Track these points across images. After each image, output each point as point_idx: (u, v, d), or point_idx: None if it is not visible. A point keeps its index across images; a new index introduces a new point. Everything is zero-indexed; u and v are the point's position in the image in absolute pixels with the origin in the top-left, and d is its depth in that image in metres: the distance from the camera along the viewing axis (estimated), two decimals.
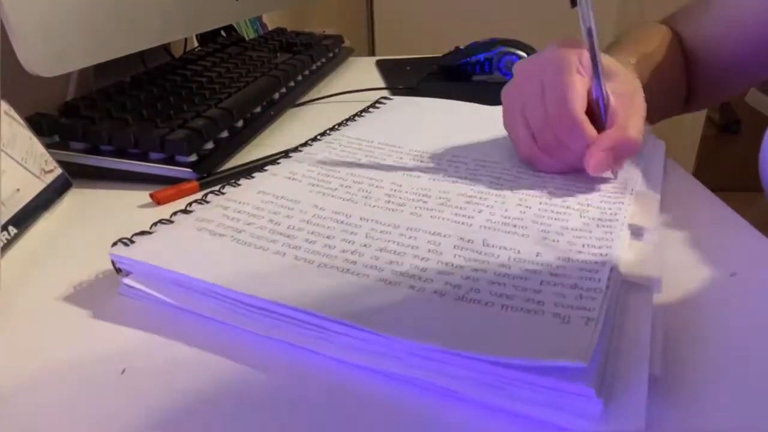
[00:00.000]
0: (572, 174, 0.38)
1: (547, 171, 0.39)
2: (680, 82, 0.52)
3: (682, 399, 0.22)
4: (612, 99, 0.37)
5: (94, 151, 0.43)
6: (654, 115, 0.47)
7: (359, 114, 0.52)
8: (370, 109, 0.53)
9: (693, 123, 1.76)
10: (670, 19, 0.55)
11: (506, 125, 0.41)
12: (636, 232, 0.32)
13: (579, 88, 0.36)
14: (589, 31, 0.35)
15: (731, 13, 0.50)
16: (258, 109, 0.52)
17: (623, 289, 0.27)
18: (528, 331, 0.23)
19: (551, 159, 0.38)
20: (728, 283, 0.29)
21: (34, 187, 0.37)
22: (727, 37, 0.51)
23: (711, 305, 0.28)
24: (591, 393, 0.20)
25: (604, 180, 0.37)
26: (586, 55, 0.36)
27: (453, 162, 0.41)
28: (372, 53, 1.57)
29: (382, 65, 0.77)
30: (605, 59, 0.38)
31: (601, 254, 0.28)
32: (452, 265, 0.28)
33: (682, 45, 0.52)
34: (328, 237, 0.30)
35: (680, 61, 0.51)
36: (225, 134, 0.47)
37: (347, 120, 0.50)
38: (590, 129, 0.36)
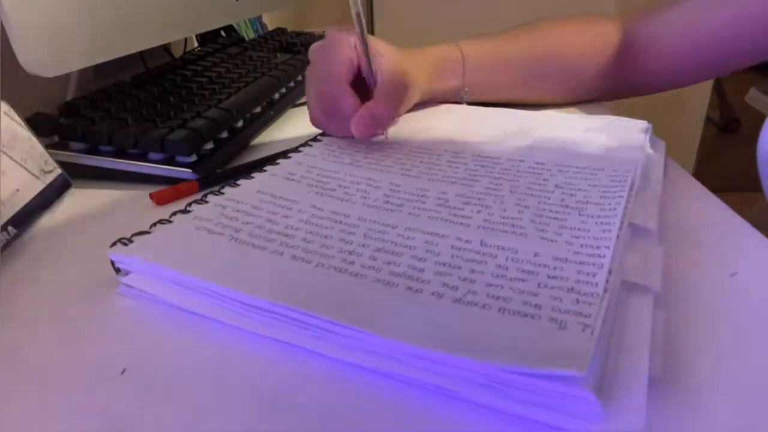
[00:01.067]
0: (571, 172, 0.38)
1: (332, 134, 0.46)
2: (590, 69, 0.56)
3: (682, 399, 0.22)
4: (380, 75, 0.44)
5: (94, 151, 0.43)
6: (543, 95, 0.56)
7: None
8: None
9: (693, 122, 1.76)
10: (629, 14, 0.58)
11: (306, 96, 0.48)
12: (636, 232, 0.32)
13: (346, 62, 0.44)
14: (358, 16, 0.43)
15: (686, 18, 0.53)
16: (258, 109, 0.52)
17: (623, 289, 0.27)
18: (524, 337, 0.23)
19: (333, 123, 0.45)
20: (728, 283, 0.29)
21: (34, 188, 0.37)
22: (678, 39, 0.54)
23: (711, 305, 0.28)
24: (590, 395, 0.20)
25: (603, 177, 0.37)
26: (354, 36, 0.44)
27: (452, 162, 0.41)
28: None
29: None
30: (378, 44, 0.45)
31: (599, 255, 0.28)
32: (449, 265, 0.28)
33: (623, 39, 0.55)
34: (325, 237, 0.30)
35: (600, 51, 0.55)
36: (225, 134, 0.47)
37: None
38: (353, 97, 0.43)
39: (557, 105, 0.57)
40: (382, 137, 0.45)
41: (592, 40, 0.56)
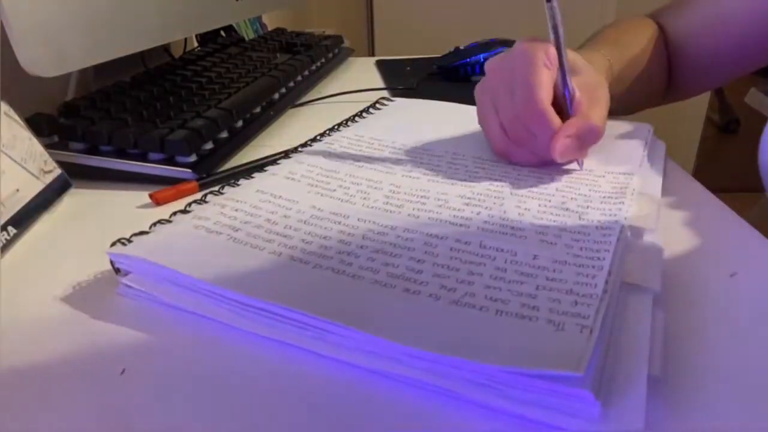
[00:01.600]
0: (572, 175, 0.38)
1: (520, 163, 0.41)
2: (659, 73, 0.55)
3: (682, 399, 0.22)
4: (577, 92, 0.39)
5: (94, 151, 0.43)
6: (633, 104, 0.53)
7: (359, 115, 0.52)
8: (371, 110, 0.53)
9: (693, 123, 1.76)
10: (657, 12, 0.57)
11: (480, 121, 0.43)
12: (636, 233, 0.32)
13: (545, 81, 0.38)
14: (555, 28, 0.38)
15: (713, 10, 0.53)
16: (258, 109, 0.52)
17: (623, 289, 0.27)
18: (522, 338, 0.23)
19: (523, 150, 0.40)
20: (728, 283, 0.29)
21: (34, 188, 0.37)
22: (708, 31, 0.54)
23: (711, 305, 0.28)
24: (589, 395, 0.20)
25: (603, 183, 0.37)
26: (552, 50, 0.38)
27: (452, 163, 0.41)
28: (372, 53, 1.57)
29: (381, 65, 0.77)
30: (571, 55, 0.40)
31: (598, 258, 0.28)
32: (448, 267, 0.28)
33: (665, 37, 0.55)
34: (324, 238, 0.30)
35: (660, 53, 0.54)
36: (225, 134, 0.47)
37: (347, 121, 0.50)
38: (556, 118, 0.37)
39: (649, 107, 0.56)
40: (575, 166, 0.40)
41: (658, 43, 0.54)
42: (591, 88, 0.40)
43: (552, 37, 0.38)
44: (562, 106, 0.39)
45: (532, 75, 0.37)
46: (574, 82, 0.39)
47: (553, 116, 0.37)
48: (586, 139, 0.38)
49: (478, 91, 0.42)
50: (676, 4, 0.57)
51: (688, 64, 0.55)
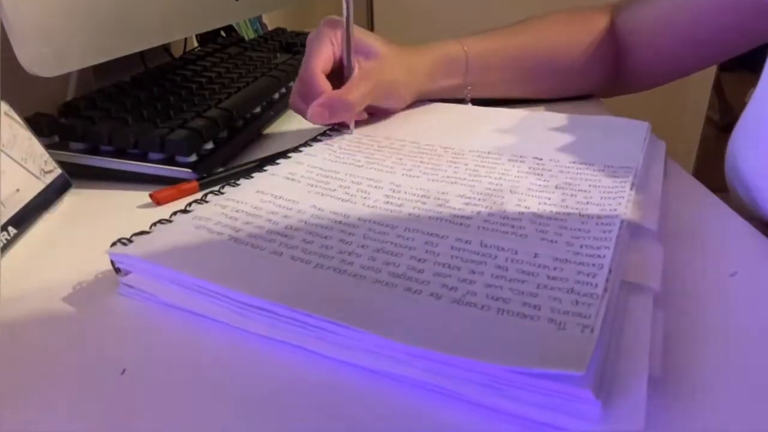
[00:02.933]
0: (572, 172, 0.38)
1: (307, 120, 0.46)
2: (591, 64, 0.57)
3: (682, 399, 0.22)
4: (356, 70, 0.46)
5: (94, 151, 0.43)
6: (545, 91, 0.57)
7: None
8: None
9: (693, 123, 1.76)
10: (616, 5, 0.59)
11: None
12: (636, 232, 0.32)
13: (323, 52, 0.46)
14: (347, 7, 0.44)
15: (669, 4, 0.55)
16: (258, 109, 0.52)
17: (623, 289, 0.27)
18: (523, 338, 0.23)
19: (306, 108, 0.46)
20: (728, 283, 0.29)
21: (34, 188, 0.37)
22: (663, 25, 0.55)
23: (711, 305, 0.28)
24: (589, 395, 0.20)
25: (603, 178, 0.37)
26: (341, 31, 0.46)
27: (452, 163, 0.41)
28: None
29: None
30: (370, 40, 0.47)
31: (599, 255, 0.28)
32: (449, 266, 0.28)
33: (613, 32, 0.57)
34: (325, 237, 0.30)
35: (597, 46, 0.56)
36: (225, 134, 0.47)
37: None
38: (322, 85, 0.45)
39: (552, 100, 0.57)
40: (348, 131, 0.47)
41: (582, 35, 0.56)
42: (372, 70, 0.47)
43: (344, 17, 0.45)
44: (346, 80, 0.46)
45: (314, 46, 0.46)
46: (362, 64, 0.46)
47: (318, 82, 0.45)
48: (337, 110, 0.45)
49: None
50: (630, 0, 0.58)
51: (637, 60, 0.57)
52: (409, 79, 0.50)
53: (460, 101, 0.55)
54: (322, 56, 0.46)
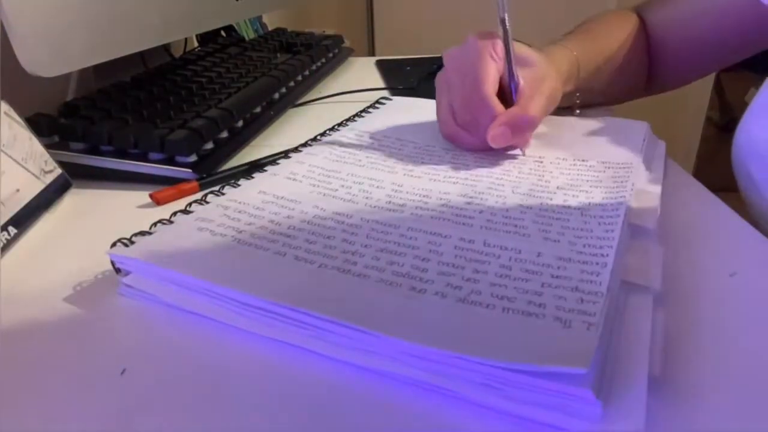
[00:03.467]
0: (572, 172, 0.39)
1: (466, 148, 0.43)
2: (639, 66, 0.56)
3: (682, 399, 0.22)
4: (522, 82, 0.42)
5: (94, 151, 0.43)
6: (614, 95, 0.56)
7: (359, 114, 0.52)
8: (370, 110, 0.53)
9: (693, 123, 1.76)
10: (641, 6, 0.58)
11: (436, 108, 0.46)
12: (636, 232, 0.32)
13: (490, 71, 0.41)
14: (503, 21, 0.41)
15: (693, 2, 0.54)
16: (258, 109, 0.52)
17: (623, 289, 0.27)
18: (529, 335, 0.23)
19: (470, 136, 0.43)
20: (728, 283, 0.29)
21: (34, 188, 0.37)
22: (688, 23, 0.55)
23: (711, 305, 0.28)
24: (590, 395, 0.20)
25: (604, 179, 0.37)
26: (499, 43, 0.42)
27: (454, 163, 0.41)
28: (372, 53, 1.57)
29: (382, 65, 0.77)
30: (520, 48, 0.43)
31: (602, 254, 0.28)
32: (453, 265, 0.28)
33: (646, 31, 0.56)
34: (328, 237, 0.30)
35: (639, 46, 0.56)
36: (225, 134, 0.47)
37: (347, 120, 0.50)
38: (498, 106, 0.41)
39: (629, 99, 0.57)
40: (518, 152, 0.42)
41: (637, 36, 0.55)
42: (536, 80, 0.43)
43: (500, 29, 0.41)
44: (509, 96, 0.42)
45: (479, 66, 0.41)
46: (521, 74, 0.42)
47: (494, 104, 0.40)
48: (521, 128, 0.41)
49: (437, 79, 0.45)
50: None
51: (669, 55, 0.57)
52: (560, 85, 0.46)
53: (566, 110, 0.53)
54: (490, 77, 0.41)
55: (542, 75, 0.43)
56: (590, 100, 0.54)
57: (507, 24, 0.41)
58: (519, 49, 0.43)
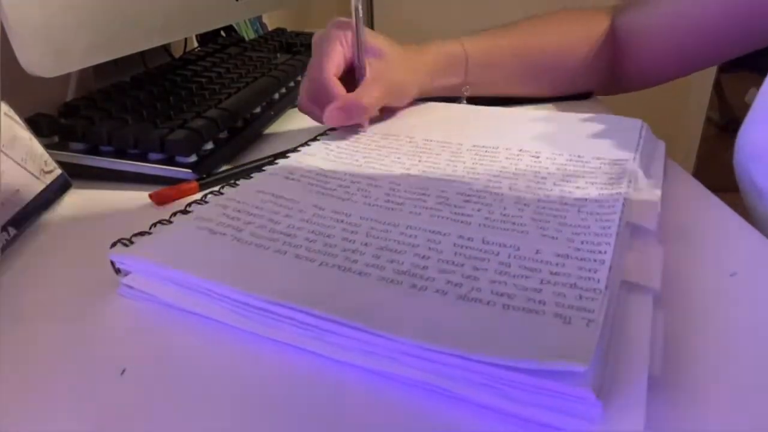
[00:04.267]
0: (568, 168, 0.39)
1: (318, 122, 0.47)
2: (590, 64, 0.57)
3: (682, 399, 0.22)
4: (367, 70, 0.46)
5: (94, 151, 0.43)
6: (546, 87, 0.58)
7: None
8: None
9: (693, 123, 1.76)
10: (619, 7, 0.59)
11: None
12: (636, 232, 0.32)
13: (334, 56, 0.46)
14: (356, 10, 0.45)
15: (673, 8, 0.55)
16: (258, 109, 0.52)
17: (623, 289, 0.27)
18: (530, 332, 0.23)
19: (318, 111, 0.46)
20: (728, 283, 0.29)
21: (34, 188, 0.37)
22: (667, 27, 0.56)
23: (711, 305, 0.28)
24: (590, 394, 0.20)
25: (600, 175, 0.37)
26: (351, 33, 0.46)
27: (451, 161, 0.41)
28: None
29: None
30: (375, 39, 0.47)
31: (599, 251, 0.28)
32: (453, 263, 0.28)
33: (612, 33, 0.57)
34: (328, 236, 0.30)
35: (593, 46, 0.57)
36: (225, 134, 0.47)
37: None
38: (334, 88, 0.45)
39: (552, 99, 0.58)
40: (361, 129, 0.47)
41: (582, 35, 0.57)
42: (380, 71, 0.47)
43: (353, 18, 0.45)
44: (358, 81, 0.47)
45: (326, 50, 0.46)
46: (369, 64, 0.47)
47: (331, 86, 0.45)
48: (353, 112, 0.45)
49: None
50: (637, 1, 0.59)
51: (640, 58, 0.57)
52: (414, 78, 0.50)
53: (455, 100, 0.55)
54: (334, 59, 0.46)
55: (388, 66, 0.48)
56: (501, 91, 0.56)
57: (360, 13, 0.45)
58: (373, 40, 0.47)
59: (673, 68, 0.58)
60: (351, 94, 0.45)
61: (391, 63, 0.48)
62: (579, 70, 0.57)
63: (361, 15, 0.45)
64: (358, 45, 0.46)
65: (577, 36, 0.57)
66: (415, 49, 0.52)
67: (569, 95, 0.59)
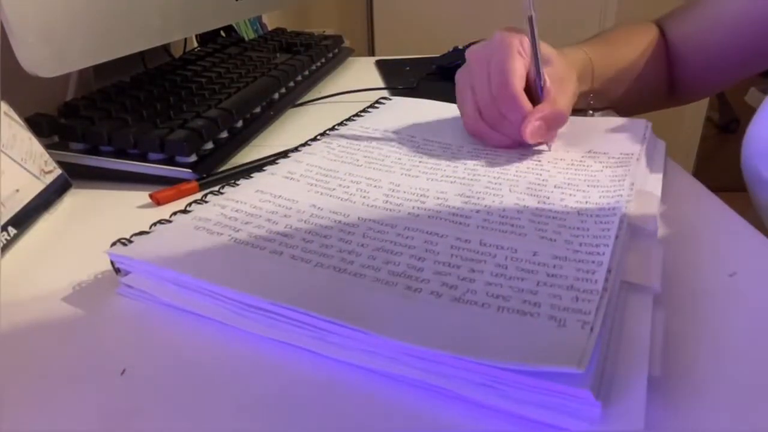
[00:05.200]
0: (569, 170, 0.39)
1: (492, 144, 0.44)
2: (657, 77, 0.57)
3: (682, 399, 0.22)
4: (547, 80, 0.42)
5: (94, 151, 0.43)
6: (632, 105, 0.56)
7: (358, 114, 0.52)
8: (369, 109, 0.53)
9: (693, 123, 1.76)
10: (661, 18, 0.59)
11: (459, 103, 0.46)
12: (636, 232, 0.32)
13: (518, 68, 0.41)
14: (530, 20, 0.41)
15: (712, 14, 0.55)
16: (258, 110, 0.52)
17: (623, 289, 0.27)
18: (524, 335, 0.23)
19: (496, 133, 0.43)
20: (728, 283, 0.29)
21: (34, 188, 0.37)
22: (707, 35, 0.55)
23: (711, 305, 0.28)
24: (589, 395, 0.20)
25: (601, 177, 0.37)
26: (526, 40, 0.42)
27: (450, 162, 0.41)
28: (372, 53, 1.57)
29: (381, 65, 0.77)
30: (544, 47, 0.43)
31: (598, 253, 0.28)
32: (449, 265, 0.28)
33: (666, 43, 0.57)
34: (325, 237, 0.30)
35: (659, 57, 0.56)
36: (225, 134, 0.47)
37: (346, 120, 0.50)
38: (527, 103, 0.41)
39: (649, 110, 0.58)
40: (544, 147, 0.43)
41: (656, 48, 0.56)
42: (560, 77, 0.43)
43: (527, 27, 0.42)
44: (534, 92, 0.43)
45: (507, 62, 0.41)
46: (545, 72, 0.43)
47: (524, 100, 0.41)
48: (553, 123, 0.42)
49: (459, 75, 0.46)
50: (677, 9, 0.58)
51: (687, 69, 0.57)
52: (577, 86, 0.47)
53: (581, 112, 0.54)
54: (518, 73, 0.41)
55: (563, 73, 0.44)
56: (604, 104, 0.54)
57: (534, 21, 0.41)
58: (543, 48, 0.43)
59: (721, 78, 0.58)
60: (546, 105, 0.41)
61: (563, 69, 0.44)
62: (658, 82, 0.57)
63: (535, 24, 0.41)
64: (536, 54, 0.42)
65: (654, 49, 0.56)
66: (564, 55, 0.48)
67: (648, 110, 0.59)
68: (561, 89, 0.43)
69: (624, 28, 0.57)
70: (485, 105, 0.43)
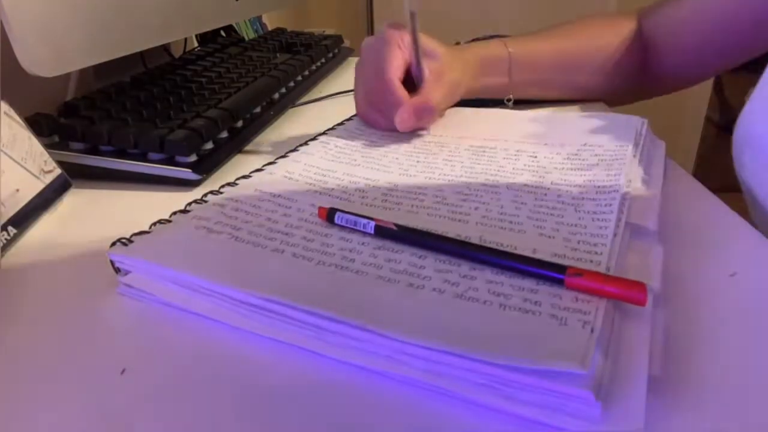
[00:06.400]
0: (567, 167, 0.39)
1: (378, 127, 0.47)
2: (628, 67, 0.57)
3: (682, 399, 0.22)
4: (426, 72, 0.46)
5: (94, 151, 0.43)
6: (602, 95, 0.58)
7: (357, 114, 0.52)
8: None
9: (693, 123, 1.76)
10: (644, 10, 0.59)
11: (354, 93, 0.50)
12: (636, 232, 0.32)
13: (395, 59, 0.45)
14: (412, 15, 0.44)
15: (692, 6, 0.55)
16: (258, 109, 0.52)
17: None
18: (526, 333, 0.23)
19: (381, 117, 0.47)
20: (728, 283, 0.29)
21: (34, 188, 0.37)
22: (688, 27, 0.56)
23: (711, 305, 0.28)
24: (589, 395, 0.20)
25: (598, 173, 0.37)
26: (407, 35, 0.45)
27: (448, 161, 0.41)
28: None
29: None
30: (427, 41, 0.47)
31: (596, 252, 0.28)
32: (450, 262, 0.28)
33: (642, 35, 0.57)
34: (325, 235, 0.30)
35: (626, 49, 0.57)
36: (225, 134, 0.47)
37: (346, 120, 0.50)
38: (401, 91, 0.44)
39: (587, 101, 0.58)
40: (424, 132, 0.46)
41: (612, 38, 0.57)
42: (439, 72, 0.47)
43: (408, 22, 0.44)
44: (418, 84, 0.46)
45: (385, 53, 0.45)
46: (427, 66, 0.46)
47: (397, 88, 0.44)
48: (422, 114, 0.45)
49: (356, 64, 0.50)
50: (656, 2, 0.59)
51: (665, 61, 0.57)
52: (464, 78, 0.50)
53: (500, 104, 0.55)
54: (395, 64, 0.45)
55: (445, 67, 0.47)
56: (539, 94, 0.56)
57: (416, 17, 0.44)
58: (426, 42, 0.47)
59: (697, 70, 0.58)
60: (418, 97, 0.45)
61: (446, 63, 0.47)
62: (611, 72, 0.57)
63: (416, 19, 0.44)
64: (416, 47, 0.45)
65: (608, 39, 0.57)
66: (462, 49, 0.52)
67: (600, 99, 0.59)
68: (437, 83, 0.46)
69: (583, 20, 0.58)
70: (369, 92, 0.47)
